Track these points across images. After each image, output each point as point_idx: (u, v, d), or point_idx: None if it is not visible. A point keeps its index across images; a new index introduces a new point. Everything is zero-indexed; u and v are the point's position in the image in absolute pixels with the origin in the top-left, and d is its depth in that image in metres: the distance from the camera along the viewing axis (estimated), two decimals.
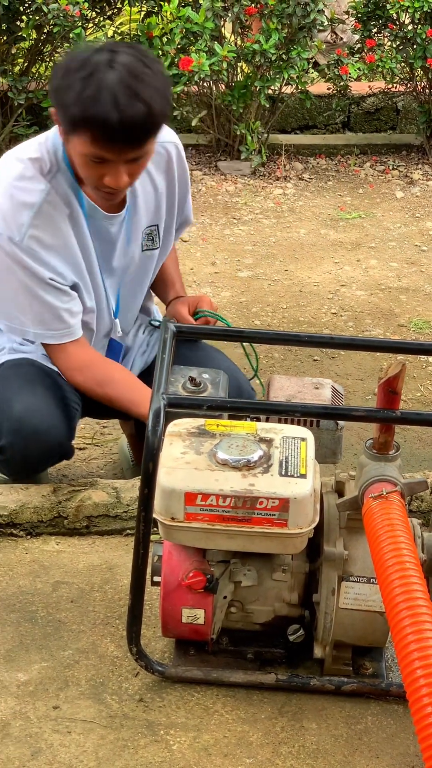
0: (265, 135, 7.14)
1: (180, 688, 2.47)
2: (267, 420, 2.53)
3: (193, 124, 6.87)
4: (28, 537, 2.99)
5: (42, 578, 2.82)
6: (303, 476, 2.29)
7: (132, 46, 2.72)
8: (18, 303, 2.92)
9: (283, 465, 2.31)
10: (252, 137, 6.91)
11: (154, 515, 2.29)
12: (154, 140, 2.70)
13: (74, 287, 2.95)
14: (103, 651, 2.57)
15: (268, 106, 7.01)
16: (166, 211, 3.10)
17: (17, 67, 7.06)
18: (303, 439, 2.39)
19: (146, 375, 3.26)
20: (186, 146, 7.28)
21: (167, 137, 3.00)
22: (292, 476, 2.29)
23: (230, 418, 2.50)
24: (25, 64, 7.03)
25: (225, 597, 2.43)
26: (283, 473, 2.29)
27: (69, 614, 2.69)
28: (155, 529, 2.32)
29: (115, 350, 3.19)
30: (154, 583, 2.44)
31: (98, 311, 3.06)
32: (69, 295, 2.93)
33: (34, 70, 7.07)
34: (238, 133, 6.94)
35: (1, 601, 2.73)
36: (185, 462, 2.30)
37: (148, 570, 2.37)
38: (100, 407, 3.13)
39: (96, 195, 2.87)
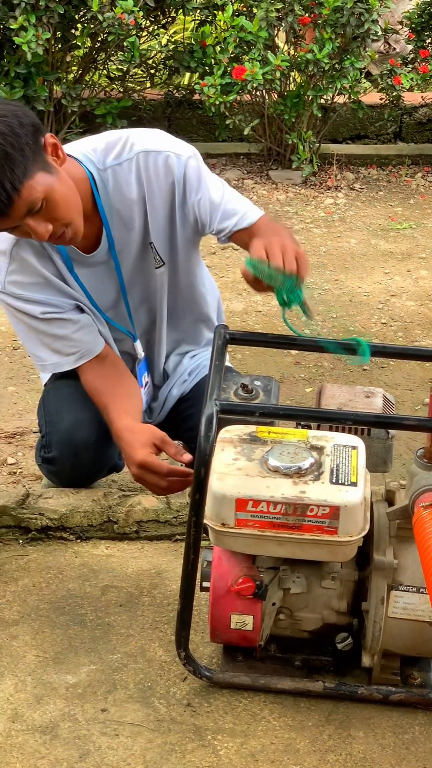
0: (317, 144, 7.15)
1: (227, 694, 2.47)
2: (318, 428, 2.54)
3: (246, 132, 6.89)
4: (78, 541, 3.01)
5: (91, 582, 2.84)
6: (354, 484, 2.29)
7: None
8: (31, 341, 2.98)
9: (334, 473, 2.31)
10: (304, 146, 6.92)
11: (205, 521, 2.30)
12: (25, 192, 2.54)
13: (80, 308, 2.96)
14: (151, 655, 2.58)
15: (320, 115, 7.01)
16: (153, 224, 2.90)
17: (71, 75, 7.11)
18: (354, 448, 2.39)
19: (180, 403, 3.25)
20: (237, 155, 7.35)
21: (138, 147, 2.83)
22: (343, 484, 2.29)
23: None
24: (79, 72, 7.08)
25: (274, 604, 2.43)
26: (334, 481, 2.29)
27: (118, 618, 2.71)
28: (205, 534, 2.33)
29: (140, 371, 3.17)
30: (203, 589, 2.45)
31: (113, 338, 3.06)
32: (71, 320, 2.92)
33: (87, 78, 7.13)
34: (290, 142, 6.96)
35: (50, 603, 2.75)
36: (237, 468, 2.31)
37: (197, 575, 2.38)
38: (167, 425, 3.16)
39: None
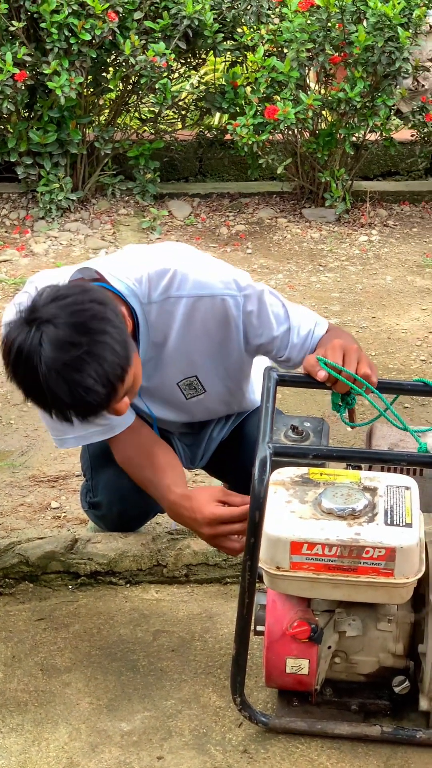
0: (349, 182, 7.15)
1: (284, 740, 2.44)
2: (369, 468, 2.52)
3: (279, 171, 6.90)
4: (128, 585, 2.99)
5: (142, 627, 2.82)
6: (409, 525, 2.28)
7: (65, 308, 2.36)
8: None
9: (389, 514, 2.29)
10: (336, 184, 6.93)
11: (259, 564, 2.28)
12: (126, 381, 2.43)
13: None
14: (205, 701, 2.56)
15: (352, 153, 7.02)
16: (199, 361, 2.82)
17: (103, 118, 7.16)
18: (407, 488, 2.38)
19: (221, 447, 3.20)
20: (270, 194, 7.37)
21: (188, 287, 2.68)
22: (398, 525, 2.27)
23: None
24: (111, 115, 7.12)
25: (329, 647, 2.41)
26: (389, 522, 2.28)
27: (170, 663, 2.68)
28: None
29: None
30: (257, 633, 2.43)
31: None
32: None
33: (119, 120, 7.17)
34: (323, 180, 6.97)
35: (102, 649, 2.73)
36: (290, 511, 2.30)
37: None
38: (214, 465, 3.12)
39: None
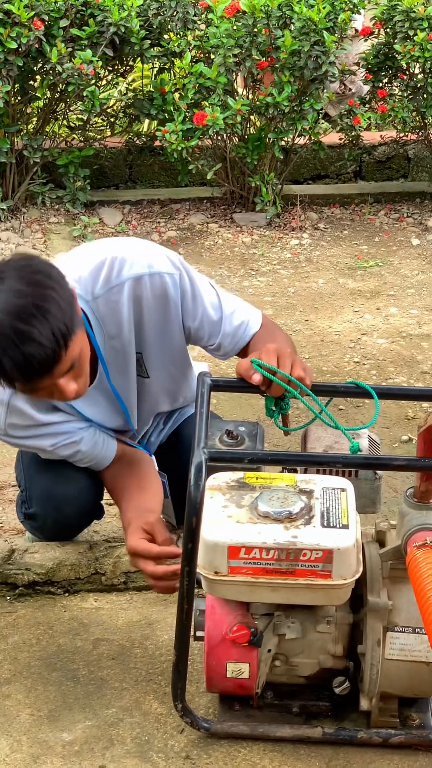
0: (279, 186, 7.17)
1: (226, 744, 2.45)
2: (305, 471, 2.53)
3: (208, 177, 6.91)
4: (66, 594, 2.98)
5: (82, 636, 2.81)
6: (345, 527, 2.29)
7: (13, 266, 2.46)
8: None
9: (325, 516, 2.31)
10: (267, 188, 6.95)
11: (197, 569, 2.28)
12: (72, 347, 2.46)
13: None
14: (146, 708, 2.55)
15: (281, 157, 7.04)
16: (143, 341, 2.84)
17: (31, 126, 7.12)
18: (343, 490, 2.39)
19: (159, 451, 3.22)
20: (201, 199, 7.37)
21: (127, 271, 2.72)
22: (335, 527, 2.28)
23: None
24: (40, 123, 7.08)
25: (269, 650, 2.42)
26: (326, 524, 2.29)
27: (111, 672, 2.68)
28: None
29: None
30: (196, 638, 2.43)
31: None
32: (80, 441, 2.87)
33: (48, 128, 7.13)
34: (253, 184, 6.98)
35: (42, 660, 2.72)
36: (227, 515, 2.30)
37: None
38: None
39: None
